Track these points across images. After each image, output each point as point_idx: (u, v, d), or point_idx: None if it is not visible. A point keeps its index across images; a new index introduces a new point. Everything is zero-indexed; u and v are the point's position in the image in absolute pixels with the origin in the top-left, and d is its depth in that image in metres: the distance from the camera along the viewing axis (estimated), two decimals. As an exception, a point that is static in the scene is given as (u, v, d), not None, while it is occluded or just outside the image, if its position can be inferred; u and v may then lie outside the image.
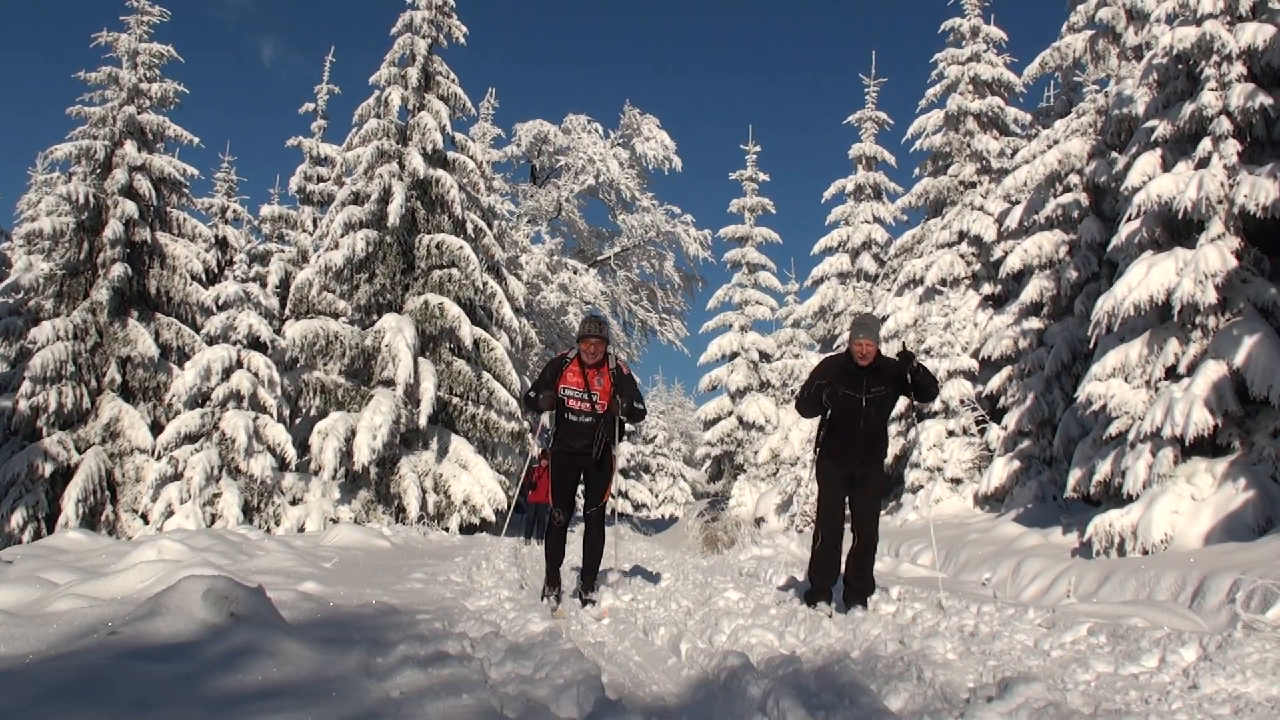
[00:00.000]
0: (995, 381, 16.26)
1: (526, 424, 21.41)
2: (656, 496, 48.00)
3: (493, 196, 25.03)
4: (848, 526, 6.42)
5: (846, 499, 6.35)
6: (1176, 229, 11.09)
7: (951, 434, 17.17)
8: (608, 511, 6.79)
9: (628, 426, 6.88)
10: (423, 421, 18.30)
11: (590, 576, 6.85)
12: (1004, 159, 19.41)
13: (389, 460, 18.33)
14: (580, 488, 6.93)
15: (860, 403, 6.18)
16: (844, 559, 6.40)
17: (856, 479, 6.28)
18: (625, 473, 44.79)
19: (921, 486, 17.04)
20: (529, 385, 6.44)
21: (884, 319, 20.26)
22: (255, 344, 18.40)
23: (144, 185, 19.76)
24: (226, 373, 17.75)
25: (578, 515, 9.07)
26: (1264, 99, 10.08)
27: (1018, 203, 16.29)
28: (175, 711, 2.46)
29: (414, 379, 17.92)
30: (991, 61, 20.50)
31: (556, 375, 6.63)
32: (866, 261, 24.23)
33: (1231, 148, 10.34)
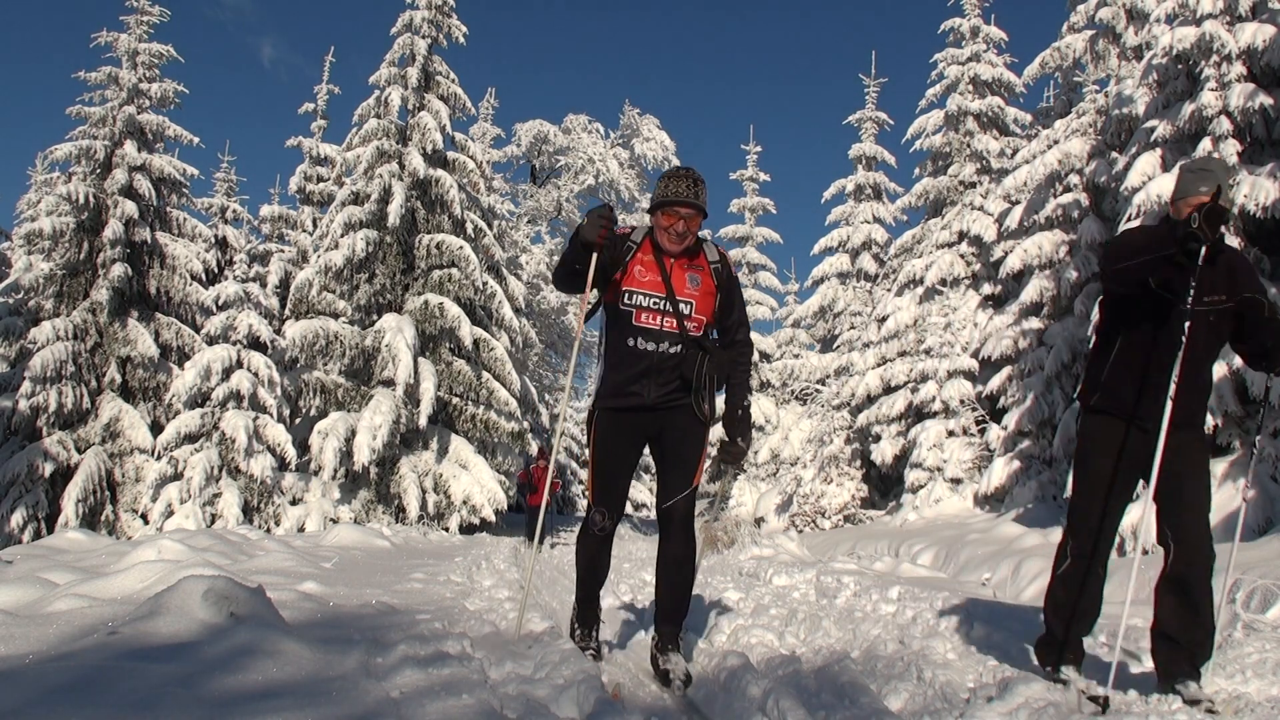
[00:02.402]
0: (995, 381, 16.28)
1: (527, 424, 21.40)
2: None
3: (493, 196, 25.06)
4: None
5: (1135, 485, 3.67)
6: (1176, 229, 11.09)
7: (951, 434, 17.19)
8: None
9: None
10: (423, 421, 18.31)
11: (673, 627, 3.93)
12: (1004, 159, 19.43)
13: (389, 460, 18.34)
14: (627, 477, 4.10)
15: (1183, 313, 3.40)
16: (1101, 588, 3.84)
17: (1156, 449, 3.39)
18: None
19: (922, 486, 17.06)
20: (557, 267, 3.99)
21: (885, 318, 20.17)
22: (255, 344, 18.41)
23: (144, 185, 19.77)
24: (226, 373, 17.76)
25: (634, 518, 4.97)
26: (1264, 99, 10.09)
27: (1018, 203, 16.30)
28: (175, 711, 2.46)
29: (414, 379, 17.94)
30: (991, 61, 20.53)
31: (616, 264, 3.78)
32: (866, 261, 24.25)
33: (1231, 148, 10.34)
